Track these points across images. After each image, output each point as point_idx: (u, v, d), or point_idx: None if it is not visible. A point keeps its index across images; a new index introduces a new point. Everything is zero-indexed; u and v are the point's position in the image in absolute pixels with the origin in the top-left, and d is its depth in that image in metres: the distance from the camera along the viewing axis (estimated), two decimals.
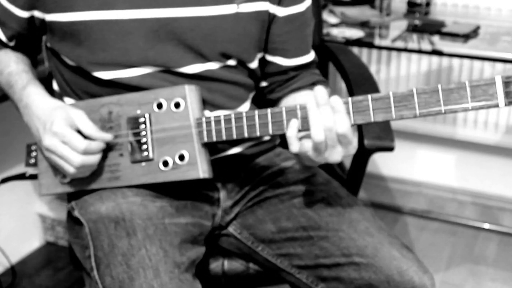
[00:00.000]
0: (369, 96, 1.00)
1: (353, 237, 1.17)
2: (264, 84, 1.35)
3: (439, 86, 0.96)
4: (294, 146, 1.05)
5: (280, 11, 1.24)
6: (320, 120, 1.01)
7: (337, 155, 1.04)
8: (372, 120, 1.01)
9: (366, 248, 1.15)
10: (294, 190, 1.27)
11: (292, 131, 1.05)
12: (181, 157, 1.13)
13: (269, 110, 1.07)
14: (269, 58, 1.30)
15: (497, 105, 0.94)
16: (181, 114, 1.13)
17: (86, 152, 1.12)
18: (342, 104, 1.01)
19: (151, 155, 1.15)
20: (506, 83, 0.93)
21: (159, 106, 1.15)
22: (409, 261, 1.14)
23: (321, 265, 1.18)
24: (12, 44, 1.27)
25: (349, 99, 1.02)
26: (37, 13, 1.20)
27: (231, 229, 1.31)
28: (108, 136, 1.16)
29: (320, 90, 1.02)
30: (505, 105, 0.94)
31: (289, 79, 1.32)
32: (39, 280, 2.08)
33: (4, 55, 1.27)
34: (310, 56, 1.34)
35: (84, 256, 1.15)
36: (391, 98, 0.99)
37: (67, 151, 1.12)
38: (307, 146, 1.04)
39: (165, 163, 1.14)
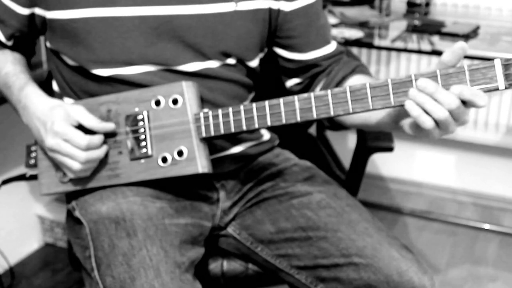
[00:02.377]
0: (367, 84, 1.00)
1: (352, 238, 1.17)
2: (295, 81, 1.32)
3: (438, 71, 0.95)
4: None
5: (286, 6, 1.23)
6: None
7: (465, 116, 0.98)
8: (371, 107, 1.00)
9: (365, 249, 1.15)
10: (293, 190, 1.27)
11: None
12: (180, 153, 1.13)
13: (266, 102, 1.07)
14: (287, 54, 1.28)
15: (497, 88, 0.93)
16: (179, 110, 1.13)
17: (89, 147, 1.13)
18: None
19: (150, 152, 1.15)
20: (505, 66, 0.92)
21: (157, 103, 1.15)
22: (409, 261, 1.14)
23: (320, 265, 1.18)
24: (10, 43, 1.27)
25: (347, 87, 1.01)
26: (38, 10, 1.20)
27: (230, 229, 1.31)
28: (110, 126, 1.16)
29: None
30: (505, 87, 0.92)
31: (322, 71, 1.29)
32: (37, 282, 2.08)
33: (1, 55, 1.27)
34: (332, 46, 1.30)
35: (84, 256, 1.15)
36: (389, 85, 0.99)
37: (70, 149, 1.13)
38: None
39: (164, 159, 1.14)
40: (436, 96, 0.94)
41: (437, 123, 0.97)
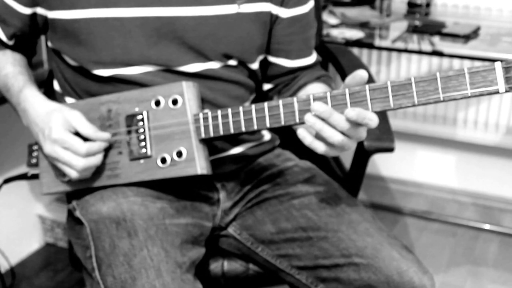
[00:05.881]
0: (367, 86, 1.00)
1: (352, 238, 1.17)
2: (268, 86, 1.35)
3: (438, 73, 0.95)
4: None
5: (284, 12, 1.24)
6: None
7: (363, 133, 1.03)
8: (370, 110, 1.00)
9: (365, 249, 1.15)
10: (294, 191, 1.27)
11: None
12: (179, 154, 1.13)
13: (266, 104, 1.07)
14: (272, 59, 1.30)
15: (497, 91, 0.93)
16: (179, 111, 1.13)
17: (88, 155, 1.12)
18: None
19: (149, 152, 1.15)
20: (506, 69, 0.92)
21: (157, 103, 1.15)
22: (409, 261, 1.14)
23: (321, 265, 1.18)
24: (11, 43, 1.27)
25: (346, 90, 1.01)
26: (40, 10, 1.20)
27: (230, 230, 1.31)
28: (106, 136, 1.16)
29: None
30: (506, 91, 0.92)
31: (294, 78, 1.33)
32: (38, 282, 2.08)
33: (2, 56, 1.27)
34: (313, 58, 1.34)
35: (85, 256, 1.15)
36: (388, 88, 0.99)
37: (69, 157, 1.12)
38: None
39: (163, 160, 1.14)
40: (330, 120, 0.98)
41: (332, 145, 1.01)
